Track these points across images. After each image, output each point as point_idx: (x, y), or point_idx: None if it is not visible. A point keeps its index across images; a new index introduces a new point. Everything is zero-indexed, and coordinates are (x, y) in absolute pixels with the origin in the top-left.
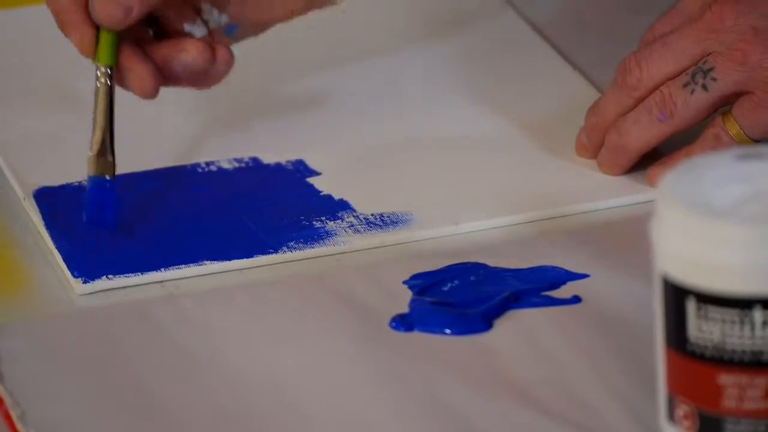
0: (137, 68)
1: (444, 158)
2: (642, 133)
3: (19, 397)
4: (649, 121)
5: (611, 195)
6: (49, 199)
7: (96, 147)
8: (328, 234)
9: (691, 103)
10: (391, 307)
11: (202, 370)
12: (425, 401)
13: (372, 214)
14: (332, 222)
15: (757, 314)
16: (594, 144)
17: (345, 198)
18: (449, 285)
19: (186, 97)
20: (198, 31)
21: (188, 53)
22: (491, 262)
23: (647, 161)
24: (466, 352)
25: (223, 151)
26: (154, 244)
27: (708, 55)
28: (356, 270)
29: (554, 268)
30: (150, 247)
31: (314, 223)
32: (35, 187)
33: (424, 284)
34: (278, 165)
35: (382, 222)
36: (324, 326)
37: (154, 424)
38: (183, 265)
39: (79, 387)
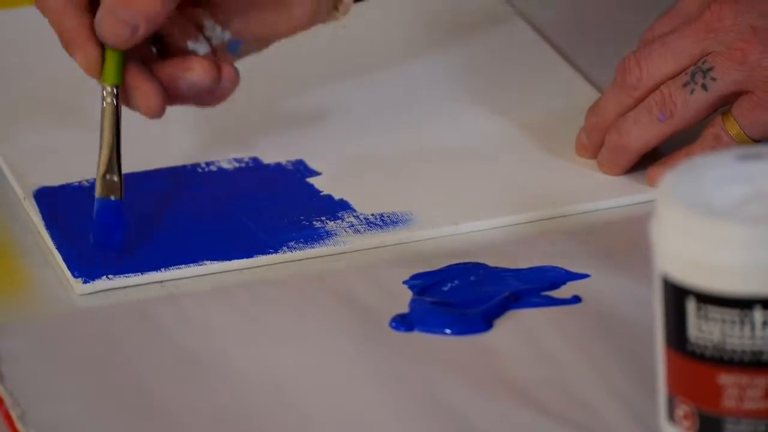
0: (143, 87)
1: (444, 158)
2: (642, 133)
3: (19, 397)
4: (649, 121)
5: (611, 195)
6: (49, 199)
7: (102, 168)
8: (328, 234)
9: (690, 102)
10: (391, 307)
11: (202, 370)
12: (425, 401)
13: (372, 214)
14: (332, 222)
15: (757, 314)
16: (594, 144)
17: (345, 198)
18: (449, 285)
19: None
20: (201, 48)
21: (194, 72)
22: (491, 262)
23: (647, 161)
24: (466, 352)
25: (223, 151)
26: (154, 244)
27: (707, 55)
28: (356, 270)
29: (554, 268)
30: (150, 247)
31: (314, 223)
32: (35, 187)
33: (424, 284)
34: (278, 165)
35: (382, 222)
36: (324, 326)
37: (154, 424)
38: (183, 265)
39: (79, 387)
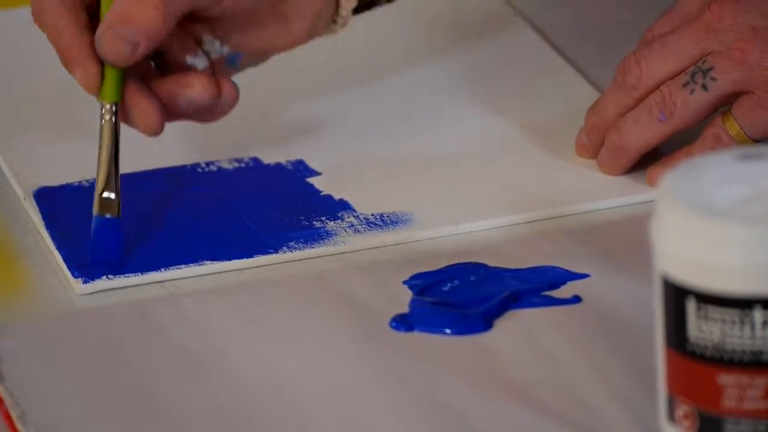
0: (142, 104)
1: (444, 158)
2: (642, 133)
3: (19, 397)
4: (649, 121)
5: (611, 195)
6: (49, 199)
7: (100, 186)
8: (328, 234)
9: (690, 102)
10: (391, 307)
11: (202, 370)
12: (425, 401)
13: (372, 214)
14: (332, 222)
15: (757, 314)
16: (594, 144)
17: (345, 198)
18: (449, 285)
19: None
20: (200, 62)
21: (193, 89)
22: (491, 262)
23: (647, 161)
24: (466, 352)
25: (223, 151)
26: (154, 244)
27: (707, 55)
28: (356, 270)
29: (554, 268)
30: (150, 247)
31: (314, 223)
32: (35, 187)
33: (424, 284)
34: (278, 165)
35: (382, 222)
36: (324, 326)
37: (154, 424)
38: (183, 265)
39: (79, 387)
